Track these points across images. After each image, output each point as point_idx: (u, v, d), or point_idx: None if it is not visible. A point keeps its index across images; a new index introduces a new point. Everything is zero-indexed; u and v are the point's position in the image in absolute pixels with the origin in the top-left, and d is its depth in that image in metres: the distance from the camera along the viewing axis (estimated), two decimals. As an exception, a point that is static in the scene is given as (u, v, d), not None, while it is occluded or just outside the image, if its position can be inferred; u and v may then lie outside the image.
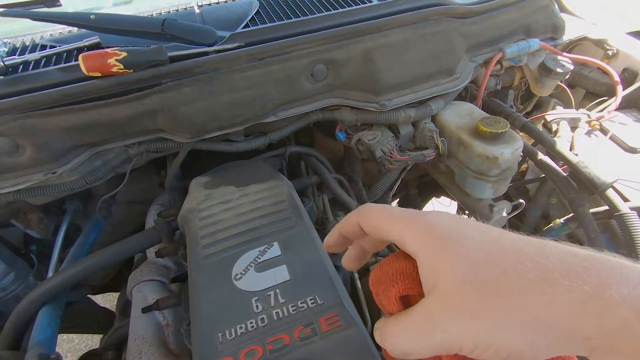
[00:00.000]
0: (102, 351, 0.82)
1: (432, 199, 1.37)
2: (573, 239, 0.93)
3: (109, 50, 0.59)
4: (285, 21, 0.74)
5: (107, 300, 1.93)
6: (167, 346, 0.72)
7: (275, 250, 0.55)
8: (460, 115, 0.85)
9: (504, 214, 0.84)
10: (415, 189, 1.28)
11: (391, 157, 0.80)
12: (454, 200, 1.34)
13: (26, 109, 0.60)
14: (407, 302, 0.27)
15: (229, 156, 0.82)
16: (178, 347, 0.72)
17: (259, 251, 0.55)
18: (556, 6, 1.01)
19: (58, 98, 0.60)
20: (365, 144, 0.82)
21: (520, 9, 0.92)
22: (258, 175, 0.72)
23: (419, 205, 1.30)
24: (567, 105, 1.08)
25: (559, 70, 0.92)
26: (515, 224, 1.06)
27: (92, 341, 1.95)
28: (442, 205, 1.46)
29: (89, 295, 1.20)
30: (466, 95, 0.97)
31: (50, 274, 0.95)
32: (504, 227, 0.96)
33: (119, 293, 0.98)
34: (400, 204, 1.29)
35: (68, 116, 0.62)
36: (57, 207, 0.96)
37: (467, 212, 1.20)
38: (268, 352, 0.42)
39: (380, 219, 0.29)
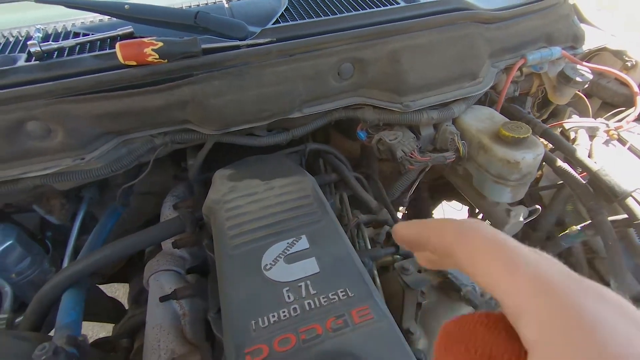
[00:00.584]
0: (116, 339, 0.83)
1: (443, 202, 1.38)
2: (587, 246, 0.94)
3: (145, 39, 0.60)
4: (315, 19, 0.75)
5: (109, 292, 1.94)
6: (184, 335, 0.73)
7: (303, 243, 0.55)
8: (480, 119, 0.86)
9: (521, 219, 0.85)
10: (427, 192, 1.28)
11: (412, 157, 0.81)
12: (465, 205, 1.35)
13: (61, 94, 0.61)
14: None
15: (249, 150, 0.83)
16: (195, 336, 0.72)
17: (288, 243, 0.55)
18: (575, 16, 1.02)
19: (93, 85, 0.61)
20: (386, 143, 0.83)
21: (543, 17, 0.93)
22: (282, 170, 0.73)
23: (429, 208, 1.31)
24: (583, 114, 1.09)
25: (578, 79, 0.93)
26: (526, 230, 1.07)
27: (93, 331, 1.94)
28: (452, 208, 1.47)
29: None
30: (485, 99, 0.98)
31: (66, 259, 0.96)
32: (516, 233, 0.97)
33: (119, 284, 0.98)
34: (410, 206, 1.30)
35: (101, 103, 0.63)
36: (75, 194, 0.97)
37: (481, 215, 1.21)
38: (301, 341, 0.43)
39: (492, 262, 0.21)
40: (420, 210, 1.25)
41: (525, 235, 1.04)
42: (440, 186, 1.28)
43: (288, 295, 0.48)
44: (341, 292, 0.48)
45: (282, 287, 0.49)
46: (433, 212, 1.34)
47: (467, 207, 1.36)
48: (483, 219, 1.22)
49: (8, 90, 0.59)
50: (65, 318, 0.60)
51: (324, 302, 0.47)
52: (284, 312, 0.46)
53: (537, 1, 0.92)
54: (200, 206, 0.70)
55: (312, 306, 0.46)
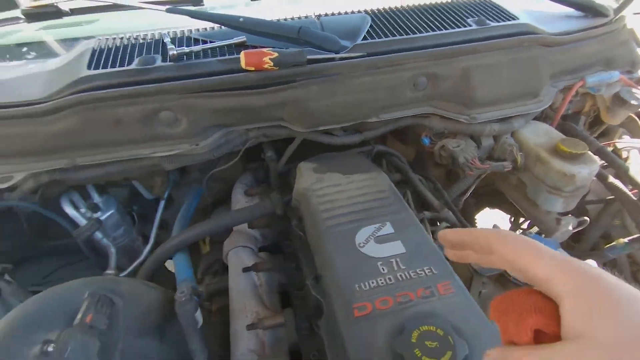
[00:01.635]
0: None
1: (486, 208, 1.45)
2: (632, 259, 0.99)
3: (264, 49, 0.72)
4: (397, 37, 0.86)
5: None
6: (262, 302, 0.85)
7: (388, 229, 0.66)
8: (538, 134, 0.94)
9: (570, 228, 0.92)
10: (473, 198, 1.36)
11: (472, 164, 0.90)
12: (508, 213, 1.41)
13: (192, 90, 0.74)
14: (538, 338, 0.28)
15: (323, 148, 0.94)
16: (271, 304, 0.84)
17: (375, 227, 0.66)
18: (634, 42, 1.08)
19: (217, 84, 0.74)
20: (449, 150, 0.92)
21: (603, 42, 1.00)
22: (359, 166, 0.84)
23: (473, 213, 1.39)
24: (634, 135, 1.14)
25: (633, 102, 0.99)
26: (570, 243, 1.13)
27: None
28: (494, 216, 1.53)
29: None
30: (541, 116, 1.05)
31: (153, 230, 1.11)
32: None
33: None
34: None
35: (220, 100, 0.76)
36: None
37: (527, 223, 1.28)
38: (397, 303, 0.53)
39: (526, 254, 0.29)
40: (465, 213, 1.33)
41: (569, 246, 1.11)
42: (486, 194, 1.36)
43: (382, 268, 0.58)
44: (426, 269, 0.58)
45: (376, 261, 0.60)
46: (476, 216, 1.41)
47: (508, 215, 1.42)
48: (530, 226, 1.29)
49: (151, 85, 0.73)
50: (183, 274, 0.74)
51: (413, 275, 0.57)
52: (380, 279, 0.56)
53: (599, 26, 0.99)
54: (270, 192, 0.81)
55: (404, 278, 0.57)
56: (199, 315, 0.65)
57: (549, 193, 0.89)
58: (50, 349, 0.45)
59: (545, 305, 0.28)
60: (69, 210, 0.95)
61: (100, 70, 0.76)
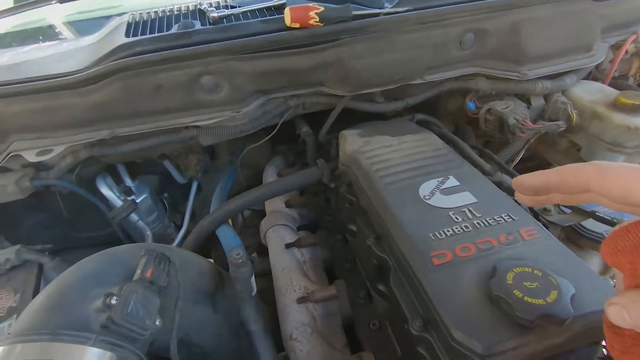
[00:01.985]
0: None
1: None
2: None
3: (310, 4, 0.69)
4: (443, -9, 0.82)
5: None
6: (308, 278, 0.80)
7: (453, 182, 0.61)
8: (591, 92, 0.88)
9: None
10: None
11: (524, 125, 0.85)
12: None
13: (236, 52, 0.71)
14: None
15: (361, 120, 0.90)
16: (319, 280, 0.80)
17: (438, 181, 0.62)
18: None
19: (262, 44, 0.71)
20: (497, 112, 0.88)
21: (654, -4, 0.95)
22: (407, 129, 0.79)
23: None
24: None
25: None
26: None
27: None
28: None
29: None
30: (587, 78, 1.00)
31: (187, 214, 1.08)
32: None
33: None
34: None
35: (264, 61, 0.73)
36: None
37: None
38: (479, 250, 0.49)
39: (636, 182, 0.25)
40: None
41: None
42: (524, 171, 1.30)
43: (455, 217, 0.54)
44: (505, 216, 0.53)
45: (446, 211, 0.55)
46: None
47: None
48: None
49: (193, 47, 0.70)
50: (232, 242, 0.70)
51: (492, 222, 0.52)
52: (456, 228, 0.52)
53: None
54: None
55: (481, 225, 0.52)
56: (253, 282, 0.61)
57: (608, 151, 0.83)
58: (113, 301, 0.42)
59: None
60: (105, 190, 0.93)
61: (140, 37, 0.74)
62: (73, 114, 0.74)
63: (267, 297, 0.77)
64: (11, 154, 0.73)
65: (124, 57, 0.71)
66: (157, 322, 0.46)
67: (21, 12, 0.91)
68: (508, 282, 0.42)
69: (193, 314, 0.57)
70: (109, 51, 0.73)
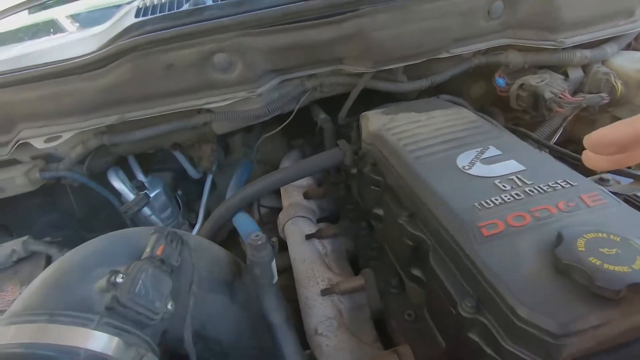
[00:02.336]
0: None
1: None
2: None
3: (326, -29, 0.65)
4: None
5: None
6: (332, 270, 0.74)
7: (493, 151, 0.55)
8: (635, 61, 0.81)
9: (688, 166, 0.77)
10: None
11: (562, 98, 0.78)
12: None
13: (250, 26, 0.67)
14: None
15: (381, 102, 0.84)
16: (342, 271, 0.74)
17: (477, 151, 0.55)
18: None
19: (278, 17, 0.67)
20: (532, 86, 0.81)
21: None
22: (435, 106, 0.73)
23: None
24: None
25: None
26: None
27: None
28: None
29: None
30: (628, 49, 0.93)
31: (202, 210, 1.04)
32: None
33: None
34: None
35: (279, 36, 0.69)
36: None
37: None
38: (535, 218, 0.42)
39: None
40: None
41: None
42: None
43: (502, 185, 0.47)
44: (561, 182, 0.46)
45: (491, 180, 0.49)
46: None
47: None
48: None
49: (206, 23, 0.66)
50: (250, 228, 0.65)
51: (547, 189, 0.45)
52: (505, 196, 0.45)
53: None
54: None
55: (535, 192, 0.45)
56: (274, 269, 0.55)
57: (661, 123, 0.75)
58: (119, 279, 0.37)
59: None
60: (117, 183, 0.90)
61: (150, 16, 0.70)
62: (82, 99, 0.71)
63: (289, 295, 0.71)
64: (20, 142, 0.70)
65: (133, 37, 0.68)
66: (169, 306, 0.40)
67: (34, 5, 0.90)
68: (579, 249, 0.35)
69: (209, 304, 0.51)
70: (118, 33, 0.70)
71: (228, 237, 1.02)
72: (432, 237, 0.49)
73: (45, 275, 0.39)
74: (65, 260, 0.41)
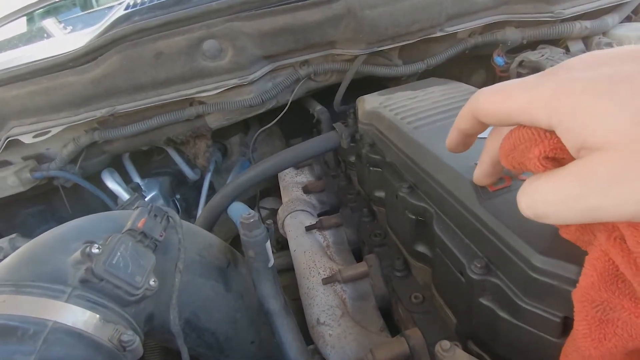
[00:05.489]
0: None
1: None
2: None
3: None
4: None
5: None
6: (333, 261, 0.71)
7: (496, 115, 0.52)
8: (636, 31, 0.78)
9: None
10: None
11: (565, 72, 0.75)
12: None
13: (238, 9, 0.66)
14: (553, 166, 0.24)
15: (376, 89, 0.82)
16: (345, 262, 0.70)
17: (478, 117, 0.52)
18: None
19: (267, -2, 0.66)
20: (532, 62, 0.78)
21: None
22: (432, 83, 0.71)
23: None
24: None
25: None
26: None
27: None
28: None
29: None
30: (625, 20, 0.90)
31: (200, 209, 1.01)
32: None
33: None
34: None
35: (269, 19, 0.68)
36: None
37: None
38: (545, 171, 0.38)
39: (497, 105, 0.25)
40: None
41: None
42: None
43: (507, 143, 0.44)
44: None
45: (495, 139, 0.46)
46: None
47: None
48: None
49: (194, 8, 0.66)
50: (244, 212, 0.61)
51: (555, 142, 0.42)
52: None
53: None
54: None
55: (543, 146, 0.42)
56: (269, 251, 0.52)
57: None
58: (94, 250, 0.34)
59: (548, 134, 0.23)
60: (111, 184, 0.88)
61: (138, 7, 0.70)
62: (72, 93, 0.69)
63: (292, 294, 0.68)
64: (9, 139, 0.69)
65: (122, 28, 0.67)
66: (152, 282, 0.37)
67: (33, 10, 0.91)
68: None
69: (200, 289, 0.48)
70: (107, 25, 0.69)
71: (232, 243, 0.99)
72: (436, 205, 0.45)
73: (20, 250, 0.36)
74: (43, 235, 0.38)
